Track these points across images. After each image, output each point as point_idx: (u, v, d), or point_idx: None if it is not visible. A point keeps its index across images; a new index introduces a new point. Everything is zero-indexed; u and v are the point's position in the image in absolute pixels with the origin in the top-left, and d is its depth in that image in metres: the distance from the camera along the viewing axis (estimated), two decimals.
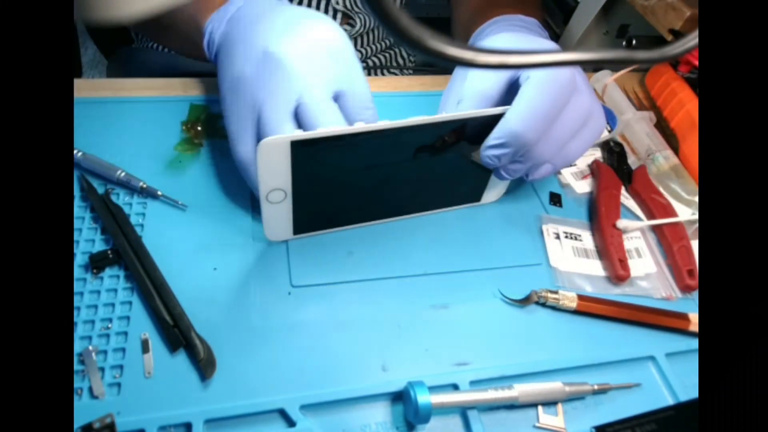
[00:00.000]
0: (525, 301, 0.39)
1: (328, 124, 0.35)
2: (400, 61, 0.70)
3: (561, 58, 0.18)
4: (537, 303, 0.39)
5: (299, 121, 0.36)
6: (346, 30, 0.60)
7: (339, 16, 0.59)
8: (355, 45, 0.64)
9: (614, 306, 0.39)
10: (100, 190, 0.40)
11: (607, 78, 0.59)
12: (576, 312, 0.39)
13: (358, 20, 0.61)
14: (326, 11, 0.58)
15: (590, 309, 0.39)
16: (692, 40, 0.20)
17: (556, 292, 0.39)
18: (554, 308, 0.39)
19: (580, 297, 0.39)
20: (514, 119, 0.36)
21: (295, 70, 0.36)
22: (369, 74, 0.66)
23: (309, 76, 0.36)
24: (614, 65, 0.18)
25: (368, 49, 0.66)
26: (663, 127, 0.55)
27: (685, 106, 0.53)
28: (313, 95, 0.36)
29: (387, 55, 0.69)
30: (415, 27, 0.16)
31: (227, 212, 0.41)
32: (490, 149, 0.37)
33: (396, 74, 0.70)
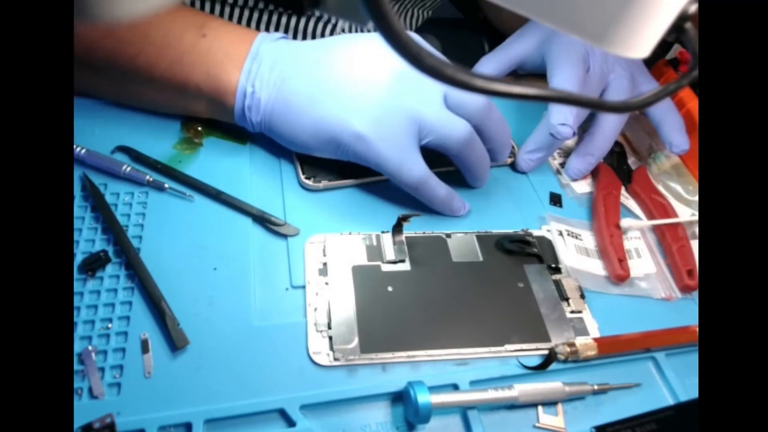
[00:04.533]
0: (545, 365, 0.35)
1: (477, 99, 0.39)
2: None
3: (544, 93, 0.20)
4: (558, 362, 0.36)
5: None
6: None
7: None
8: None
9: (630, 340, 0.38)
10: (103, 185, 0.40)
11: None
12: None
13: None
14: (333, 33, 0.58)
15: (610, 350, 0.37)
16: (654, 94, 0.23)
17: (573, 344, 0.36)
18: (576, 361, 0.36)
19: (597, 340, 0.36)
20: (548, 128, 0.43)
21: (415, 74, 0.38)
22: None
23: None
24: (585, 107, 0.21)
25: None
26: None
27: (685, 106, 0.53)
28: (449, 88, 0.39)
29: None
30: (415, 44, 0.17)
31: (227, 212, 0.41)
32: (528, 154, 0.46)
33: None
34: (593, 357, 0.36)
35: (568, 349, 0.35)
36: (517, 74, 0.51)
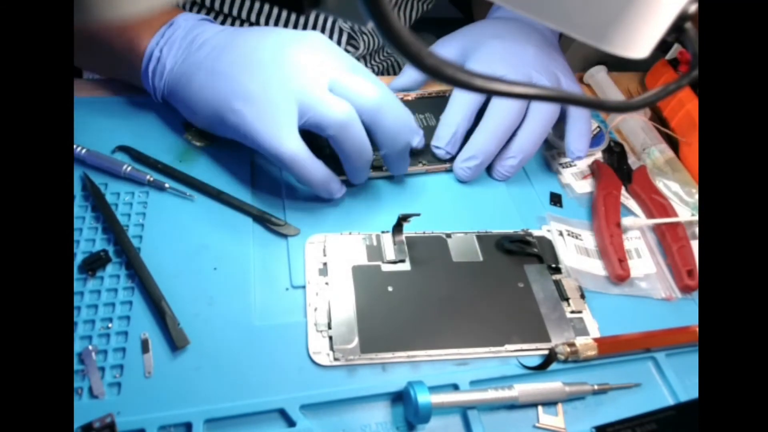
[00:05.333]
0: (545, 365, 0.35)
1: (365, 90, 0.39)
2: None
3: (545, 93, 0.20)
4: (558, 362, 0.36)
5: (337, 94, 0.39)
6: (349, 52, 0.60)
7: (344, 36, 0.59)
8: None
9: (630, 340, 0.38)
10: (103, 185, 0.40)
11: (600, 73, 0.59)
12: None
13: (361, 42, 0.61)
14: (332, 31, 0.58)
15: (610, 350, 0.37)
16: (654, 94, 0.23)
17: (573, 344, 0.36)
18: (576, 361, 0.36)
19: (597, 340, 0.36)
20: (482, 137, 0.44)
21: (313, 58, 0.39)
22: None
23: (328, 60, 0.40)
24: (586, 107, 0.21)
25: (371, 69, 0.66)
26: (664, 126, 0.55)
27: (685, 106, 0.53)
28: (340, 72, 0.39)
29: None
30: (416, 44, 0.17)
31: (227, 212, 0.41)
32: (463, 162, 0.45)
33: None
34: (593, 357, 0.36)
35: (568, 349, 0.35)
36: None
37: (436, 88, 0.53)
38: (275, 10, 0.56)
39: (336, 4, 0.19)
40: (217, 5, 0.55)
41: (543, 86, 0.20)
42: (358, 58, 0.62)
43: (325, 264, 0.39)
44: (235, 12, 0.56)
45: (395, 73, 0.69)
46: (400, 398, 0.33)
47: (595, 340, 0.36)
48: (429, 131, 0.47)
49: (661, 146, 0.52)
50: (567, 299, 0.39)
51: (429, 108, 0.50)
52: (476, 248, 0.41)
